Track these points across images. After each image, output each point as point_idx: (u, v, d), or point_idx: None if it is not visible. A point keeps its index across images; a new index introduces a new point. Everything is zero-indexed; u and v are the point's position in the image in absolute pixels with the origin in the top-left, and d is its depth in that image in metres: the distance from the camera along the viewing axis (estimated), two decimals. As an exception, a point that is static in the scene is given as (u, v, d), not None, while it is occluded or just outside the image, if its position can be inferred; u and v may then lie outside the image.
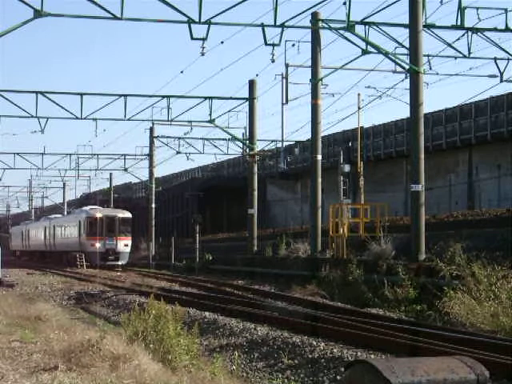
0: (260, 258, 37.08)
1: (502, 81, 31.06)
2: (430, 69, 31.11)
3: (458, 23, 26.26)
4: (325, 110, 33.50)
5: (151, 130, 52.67)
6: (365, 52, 27.29)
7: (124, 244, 50.67)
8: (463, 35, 27.81)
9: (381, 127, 50.32)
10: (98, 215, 50.95)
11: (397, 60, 27.12)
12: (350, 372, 5.94)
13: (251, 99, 40.63)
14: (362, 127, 39.98)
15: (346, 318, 16.49)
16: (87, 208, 55.98)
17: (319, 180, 31.54)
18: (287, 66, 33.12)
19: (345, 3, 25.24)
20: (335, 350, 13.15)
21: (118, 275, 40.13)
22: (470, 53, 28.59)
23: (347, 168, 31.84)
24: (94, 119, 39.08)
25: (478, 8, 27.03)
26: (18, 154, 53.19)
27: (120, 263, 49.48)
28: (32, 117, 36.80)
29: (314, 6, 25.33)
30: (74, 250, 51.45)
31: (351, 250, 28.18)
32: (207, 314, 19.38)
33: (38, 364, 10.47)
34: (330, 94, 35.87)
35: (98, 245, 49.42)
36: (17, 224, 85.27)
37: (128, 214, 51.79)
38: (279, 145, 43.15)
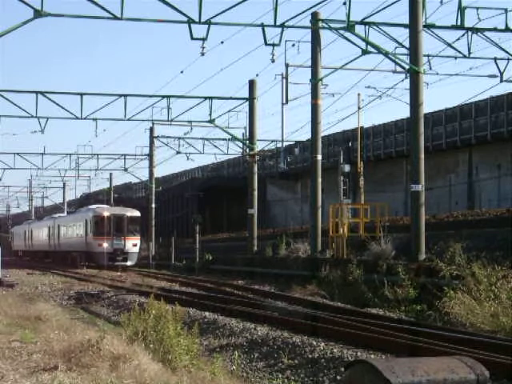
0: (260, 258, 37.06)
1: (502, 81, 31.05)
2: (430, 69, 31.12)
3: (458, 23, 26.25)
4: (325, 110, 33.55)
5: (151, 130, 52.59)
6: (365, 52, 27.27)
7: (133, 244, 48.20)
8: (463, 35, 27.81)
9: (381, 127, 50.33)
10: (106, 214, 48.62)
11: (397, 60, 27.12)
12: (350, 372, 5.94)
13: (251, 99, 40.63)
14: (362, 127, 39.97)
15: (345, 318, 16.48)
16: (94, 206, 53.78)
17: (319, 180, 31.55)
18: (287, 65, 33.11)
19: (345, 3, 25.24)
20: (335, 350, 13.15)
21: (118, 275, 40.06)
22: (469, 53, 28.58)
23: (347, 168, 31.82)
24: (94, 119, 39.06)
25: (478, 8, 27.03)
26: (18, 153, 53.15)
27: (128, 264, 47.36)
28: (32, 117, 36.79)
29: (314, 5, 25.34)
30: (79, 250, 49.76)
31: (351, 250, 28.18)
32: (207, 313, 19.38)
33: (38, 364, 10.47)
34: (330, 94, 35.89)
35: (105, 245, 47.19)
36: (17, 224, 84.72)
37: (137, 213, 49.44)
38: (279, 145, 43.16)
